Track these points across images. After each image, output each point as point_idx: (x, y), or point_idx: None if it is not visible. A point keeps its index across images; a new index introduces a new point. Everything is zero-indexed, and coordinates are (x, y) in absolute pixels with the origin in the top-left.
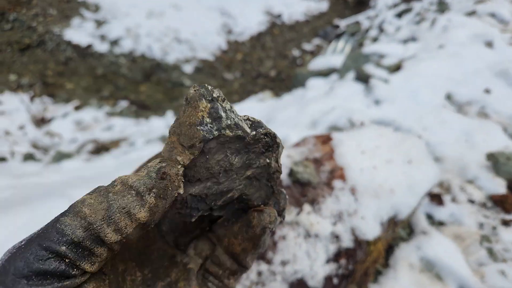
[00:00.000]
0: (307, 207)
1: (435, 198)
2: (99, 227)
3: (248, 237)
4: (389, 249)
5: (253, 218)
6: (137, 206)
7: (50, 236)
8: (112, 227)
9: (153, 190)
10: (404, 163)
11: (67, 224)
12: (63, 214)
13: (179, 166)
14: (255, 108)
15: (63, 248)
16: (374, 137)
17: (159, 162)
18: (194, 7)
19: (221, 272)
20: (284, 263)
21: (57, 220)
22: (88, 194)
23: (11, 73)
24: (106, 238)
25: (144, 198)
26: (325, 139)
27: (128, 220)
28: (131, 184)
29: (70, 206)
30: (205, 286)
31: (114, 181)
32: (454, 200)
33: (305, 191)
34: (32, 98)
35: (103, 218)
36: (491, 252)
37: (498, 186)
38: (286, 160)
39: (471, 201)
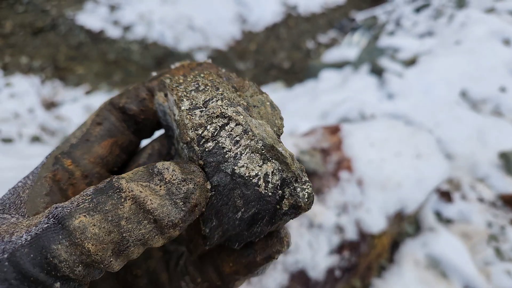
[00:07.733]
0: None
1: (444, 195)
2: (106, 264)
3: (244, 262)
4: (394, 245)
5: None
6: (156, 237)
7: (36, 262)
8: (121, 258)
9: (179, 225)
10: (413, 157)
11: (62, 259)
12: (53, 236)
13: (208, 186)
14: None
15: (57, 285)
16: (384, 129)
17: (187, 177)
18: None
19: (200, 280)
20: (285, 252)
21: (44, 244)
22: (87, 213)
23: (23, 56)
24: (110, 269)
25: (165, 231)
26: (334, 130)
27: (140, 248)
28: (149, 209)
29: (60, 218)
30: (177, 281)
31: (119, 189)
32: (463, 197)
33: (310, 181)
34: (42, 82)
35: (112, 253)
36: (498, 252)
37: (509, 186)
38: (293, 149)
39: (481, 200)
